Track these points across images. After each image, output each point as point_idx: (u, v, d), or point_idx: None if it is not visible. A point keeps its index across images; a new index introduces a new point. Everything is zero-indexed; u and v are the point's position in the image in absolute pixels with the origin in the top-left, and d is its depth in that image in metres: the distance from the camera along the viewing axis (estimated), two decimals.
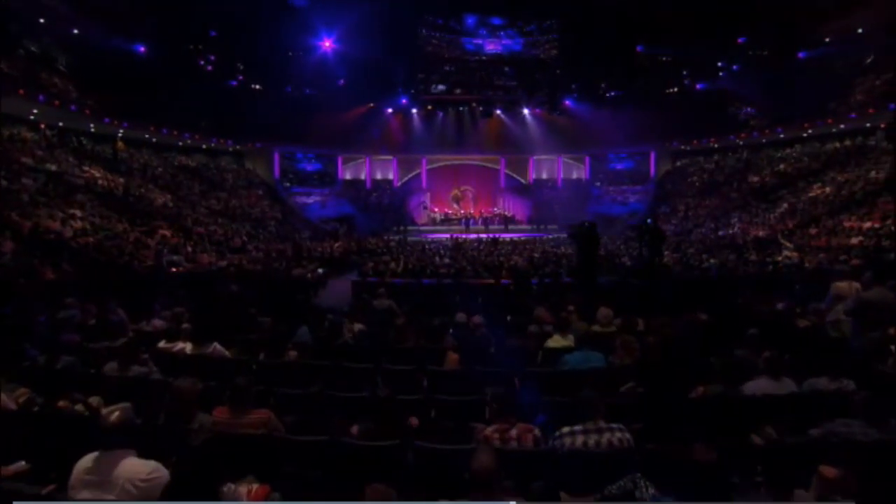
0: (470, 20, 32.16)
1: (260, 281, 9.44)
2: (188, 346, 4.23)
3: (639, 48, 29.36)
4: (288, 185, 29.47)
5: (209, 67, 25.00)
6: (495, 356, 3.95)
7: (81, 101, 19.09)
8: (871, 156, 22.55)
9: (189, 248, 13.63)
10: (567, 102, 32.79)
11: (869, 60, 23.79)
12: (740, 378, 3.33)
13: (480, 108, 33.18)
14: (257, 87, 27.50)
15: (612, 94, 31.82)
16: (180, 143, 25.69)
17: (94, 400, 3.12)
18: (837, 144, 25.40)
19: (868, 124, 23.53)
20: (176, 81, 22.50)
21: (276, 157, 29.45)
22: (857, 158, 22.97)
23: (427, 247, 18.53)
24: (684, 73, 29.87)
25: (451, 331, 5.55)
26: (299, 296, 8.73)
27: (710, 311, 7.13)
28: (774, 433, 2.57)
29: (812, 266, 12.35)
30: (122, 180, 18.83)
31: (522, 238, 24.63)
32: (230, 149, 28.28)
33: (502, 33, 32.53)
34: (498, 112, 33.38)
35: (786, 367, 3.36)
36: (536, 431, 2.60)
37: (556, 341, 4.61)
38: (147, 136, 23.72)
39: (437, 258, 14.28)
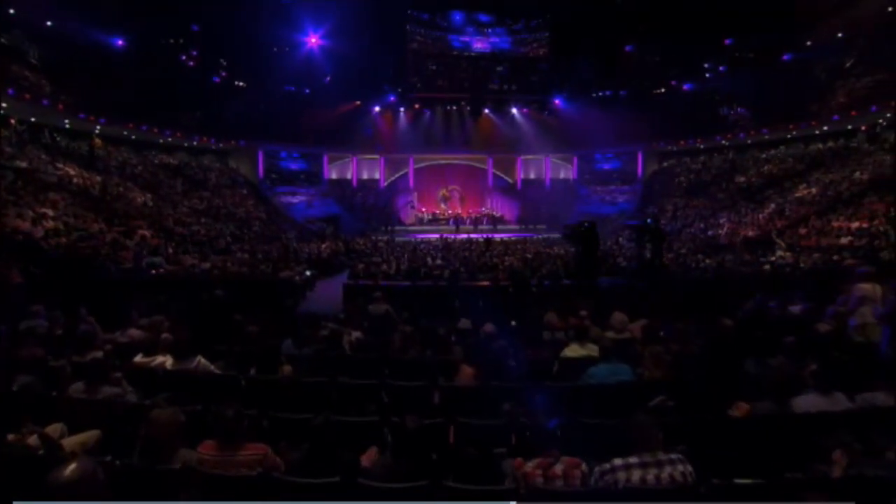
0: (457, 17, 31.85)
1: (246, 284, 8.94)
2: (168, 361, 3.75)
3: (628, 48, 29.39)
4: (273, 184, 28.77)
5: (191, 63, 24.27)
6: (515, 370, 3.59)
7: (55, 96, 18.26)
8: (853, 157, 22.85)
9: (170, 250, 13.02)
10: (556, 101, 32.74)
11: (849, 64, 24.23)
12: (787, 393, 3.01)
13: (468, 108, 32.92)
14: (241, 83, 26.80)
15: (601, 93, 31.84)
16: (161, 141, 24.86)
17: (54, 428, 2.66)
18: (821, 146, 25.72)
19: (850, 126, 23.91)
20: (156, 77, 21.74)
21: (261, 155, 28.74)
22: (841, 160, 23.24)
23: (418, 247, 18.11)
24: (671, 73, 30.00)
25: (452, 338, 5.20)
26: (288, 301, 8.25)
27: (725, 315, 6.91)
28: (847, 460, 2.25)
29: (808, 266, 12.30)
30: (98, 178, 18.03)
31: (513, 238, 24.38)
32: (213, 147, 27.50)
33: (490, 31, 32.30)
34: (486, 111, 33.17)
35: (837, 381, 3.06)
36: (584, 467, 2.23)
37: (574, 350, 4.25)
38: (126, 133, 22.85)
39: (429, 259, 13.88)
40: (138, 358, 3.82)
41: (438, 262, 13.52)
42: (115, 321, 5.04)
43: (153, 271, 11.20)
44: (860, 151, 22.99)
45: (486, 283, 9.02)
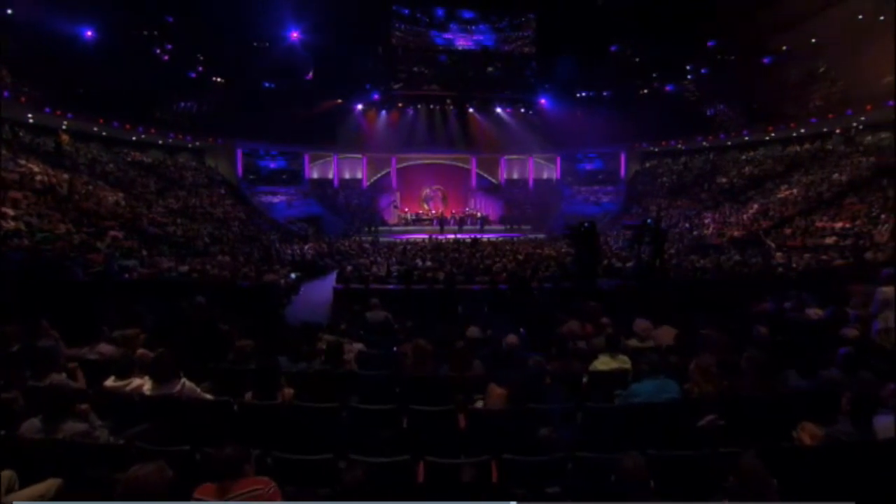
0: (440, 13, 31.43)
1: (229, 289, 8.32)
2: (146, 384, 3.17)
3: (612, 48, 29.45)
4: (252, 183, 27.86)
5: (165, 57, 23.20)
6: (550, 390, 3.17)
7: (17, 88, 17.16)
8: (830, 159, 23.30)
9: (144, 252, 12.23)
10: (541, 101, 32.63)
11: (822, 70, 24.83)
12: (868, 413, 2.67)
13: (451, 107, 32.55)
14: (219, 79, 25.83)
15: (585, 93, 31.87)
16: (133, 138, 23.74)
17: (2, 476, 2.13)
18: (798, 148, 26.19)
19: (825, 129, 24.42)
20: (128, 70, 20.67)
21: (239, 154, 27.78)
22: (819, 161, 23.68)
23: (406, 248, 17.59)
24: (654, 74, 30.20)
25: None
26: (278, 308, 7.68)
27: (739, 319, 6.65)
28: None
29: (801, 266, 12.28)
30: (66, 176, 16.98)
31: (499, 238, 24.09)
32: (189, 145, 26.42)
33: (474, 28, 31.98)
34: (470, 110, 32.86)
35: None
36: None
37: (605, 363, 3.85)
38: (96, 129, 21.72)
39: (418, 261, 13.40)
40: (110, 381, 3.25)
41: (428, 263, 13.06)
42: (82, 334, 4.43)
43: (126, 275, 10.47)
44: (836, 153, 23.48)
45: (484, 286, 8.60)
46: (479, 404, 3.30)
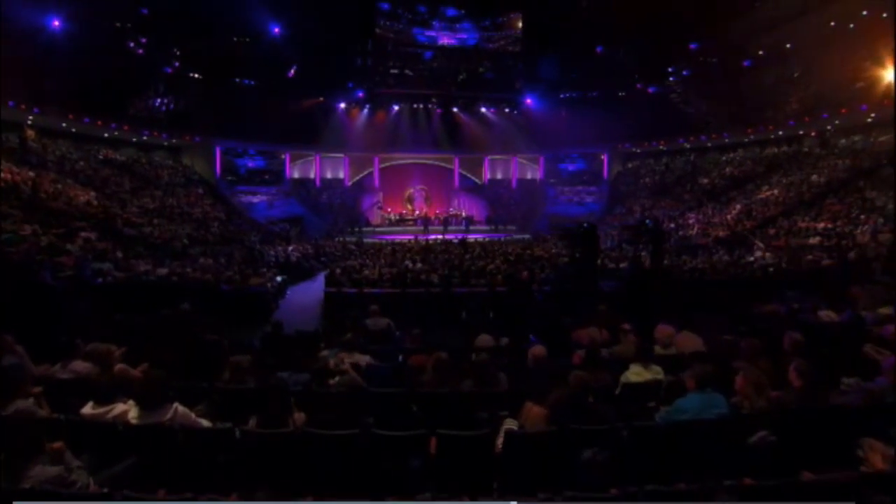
0: (422, 10, 31.09)
1: (214, 294, 7.81)
2: (132, 411, 2.70)
3: (598, 49, 29.58)
4: (231, 183, 27.00)
5: (140, 51, 22.26)
6: (594, 408, 2.86)
7: None
8: (808, 160, 23.81)
9: (119, 254, 11.54)
10: (525, 101, 32.58)
11: (796, 74, 25.48)
12: None
13: (435, 106, 32.23)
14: (196, 75, 24.94)
15: (569, 94, 31.94)
16: (105, 135, 22.70)
17: None
18: (776, 149, 26.71)
19: (801, 132, 24.98)
20: (100, 64, 19.72)
21: (218, 152, 26.87)
22: (797, 163, 24.16)
23: (395, 249, 17.17)
24: (636, 76, 30.47)
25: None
26: (266, 315, 7.21)
27: (748, 321, 6.50)
28: None
29: (789, 267, 12.33)
30: (31, 174, 16.05)
31: (486, 239, 23.84)
32: (165, 143, 25.43)
33: (457, 26, 31.74)
34: (454, 110, 32.59)
35: None
36: None
37: (638, 374, 3.57)
38: (65, 124, 20.68)
39: (408, 262, 13.02)
40: (88, 409, 2.80)
41: (419, 265, 12.71)
42: (52, 349, 3.94)
43: (100, 279, 9.85)
44: (812, 155, 24.02)
45: (482, 289, 8.31)
46: (508, 424, 2.98)
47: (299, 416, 2.85)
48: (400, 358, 4.57)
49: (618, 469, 2.58)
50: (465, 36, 31.80)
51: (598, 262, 13.28)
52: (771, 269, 12.00)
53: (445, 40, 31.62)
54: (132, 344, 4.23)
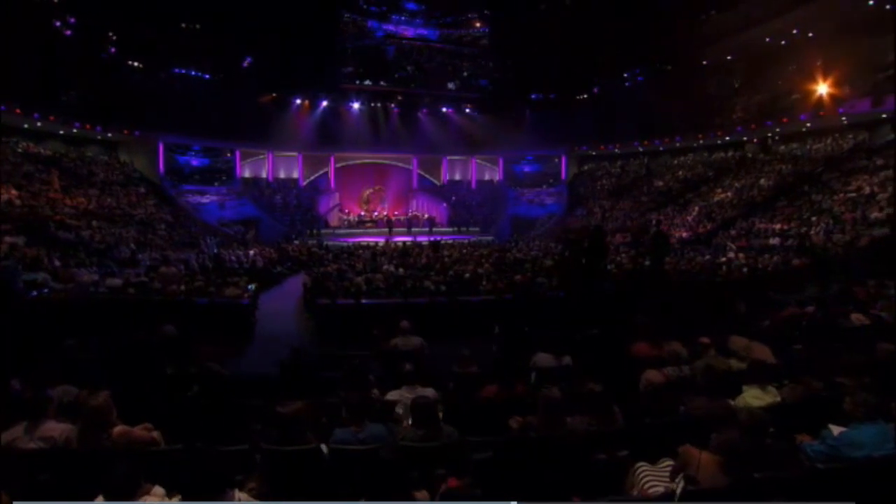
0: (383, 7, 30.25)
1: (190, 310, 6.74)
2: None
3: (553, 52, 29.92)
4: (177, 182, 24.83)
5: (68, 32, 19.88)
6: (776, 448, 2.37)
7: None
8: (754, 165, 25.17)
9: (56, 262, 9.97)
10: (483, 102, 32.43)
11: (737, 85, 27.12)
12: None
13: (393, 105, 31.43)
14: (136, 63, 22.71)
15: (531, 96, 32.17)
16: (26, 126, 20.07)
17: None
18: (724, 154, 28.11)
19: (745, 138, 26.48)
20: (19, 46, 17.36)
21: (161, 148, 24.62)
22: (745, 167, 25.47)
23: (376, 253, 16.23)
24: (594, 79, 31.15)
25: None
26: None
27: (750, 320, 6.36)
28: None
29: (770, 266, 12.67)
30: None
31: (454, 241, 23.32)
32: (99, 136, 22.93)
33: (418, 21, 31.12)
34: (412, 109, 31.91)
35: None
36: None
37: (757, 397, 3.09)
38: None
39: (390, 267, 12.24)
40: None
41: (401, 271, 11.98)
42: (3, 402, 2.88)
43: (34, 292, 8.39)
44: (757, 161, 25.43)
45: (488, 297, 7.75)
46: (645, 471, 2.44)
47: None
48: (451, 386, 3.91)
49: None
50: (424, 32, 31.23)
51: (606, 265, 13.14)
52: (745, 269, 12.31)
53: (405, 34, 30.93)
54: (107, 386, 3.21)
